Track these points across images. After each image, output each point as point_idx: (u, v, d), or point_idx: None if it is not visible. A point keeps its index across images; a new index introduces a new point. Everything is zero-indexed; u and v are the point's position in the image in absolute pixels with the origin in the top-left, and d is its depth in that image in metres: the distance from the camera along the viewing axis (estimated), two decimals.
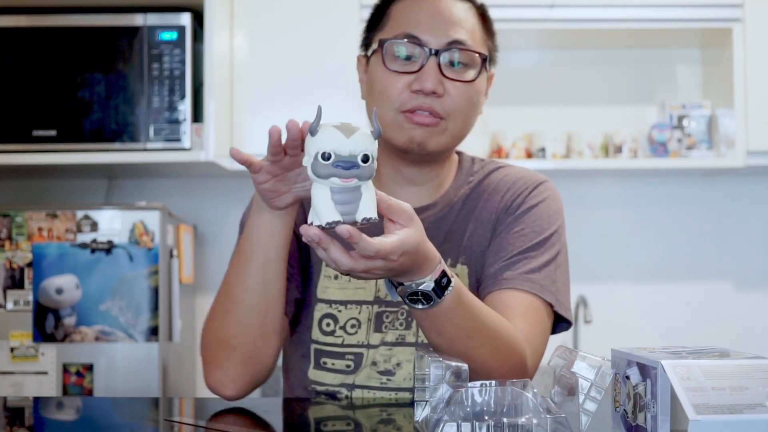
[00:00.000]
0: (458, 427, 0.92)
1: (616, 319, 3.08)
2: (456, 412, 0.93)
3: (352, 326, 1.33)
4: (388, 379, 1.32)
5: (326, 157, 0.92)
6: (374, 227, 0.97)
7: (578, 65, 3.11)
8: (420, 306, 1.07)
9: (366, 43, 1.39)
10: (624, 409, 0.99)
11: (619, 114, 3.07)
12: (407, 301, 1.07)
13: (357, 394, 1.32)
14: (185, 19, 2.52)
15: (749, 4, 2.75)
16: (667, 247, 3.10)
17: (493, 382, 0.95)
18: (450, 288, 1.07)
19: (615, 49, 3.10)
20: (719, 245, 3.09)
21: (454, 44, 1.29)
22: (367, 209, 0.95)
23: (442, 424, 0.92)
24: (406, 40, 1.29)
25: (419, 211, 1.35)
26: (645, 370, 0.93)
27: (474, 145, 2.80)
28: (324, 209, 0.93)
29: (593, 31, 2.87)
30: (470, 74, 1.30)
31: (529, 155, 2.89)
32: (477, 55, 1.31)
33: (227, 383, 1.23)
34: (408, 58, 1.29)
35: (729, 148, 2.79)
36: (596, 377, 0.97)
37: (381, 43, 1.31)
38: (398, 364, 1.32)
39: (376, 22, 1.37)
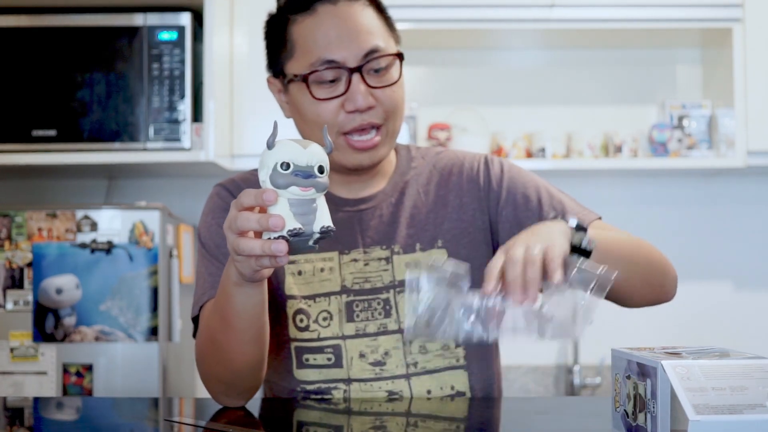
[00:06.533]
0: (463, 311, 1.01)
1: (616, 319, 3.08)
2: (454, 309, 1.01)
3: (324, 319, 1.35)
4: (381, 369, 1.34)
5: (285, 167, 0.96)
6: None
7: (578, 65, 3.10)
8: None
9: (274, 67, 1.38)
10: (624, 409, 0.99)
11: (619, 114, 3.07)
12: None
13: (355, 387, 1.34)
14: (185, 19, 2.52)
15: (749, 4, 2.74)
16: (667, 247, 3.05)
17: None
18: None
19: (615, 49, 3.09)
20: (719, 245, 3.09)
21: (370, 54, 1.30)
22: (324, 218, 0.98)
23: (439, 311, 0.99)
24: (325, 67, 1.29)
25: (370, 199, 1.39)
26: (645, 370, 0.93)
27: (474, 145, 2.79)
28: (285, 219, 0.96)
29: (593, 31, 2.87)
30: (393, 75, 1.34)
31: (529, 155, 2.89)
32: (394, 56, 1.33)
33: (230, 402, 1.29)
34: (332, 81, 1.30)
35: (729, 148, 2.79)
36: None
37: (304, 78, 1.30)
38: (386, 353, 1.34)
39: (278, 45, 1.36)
